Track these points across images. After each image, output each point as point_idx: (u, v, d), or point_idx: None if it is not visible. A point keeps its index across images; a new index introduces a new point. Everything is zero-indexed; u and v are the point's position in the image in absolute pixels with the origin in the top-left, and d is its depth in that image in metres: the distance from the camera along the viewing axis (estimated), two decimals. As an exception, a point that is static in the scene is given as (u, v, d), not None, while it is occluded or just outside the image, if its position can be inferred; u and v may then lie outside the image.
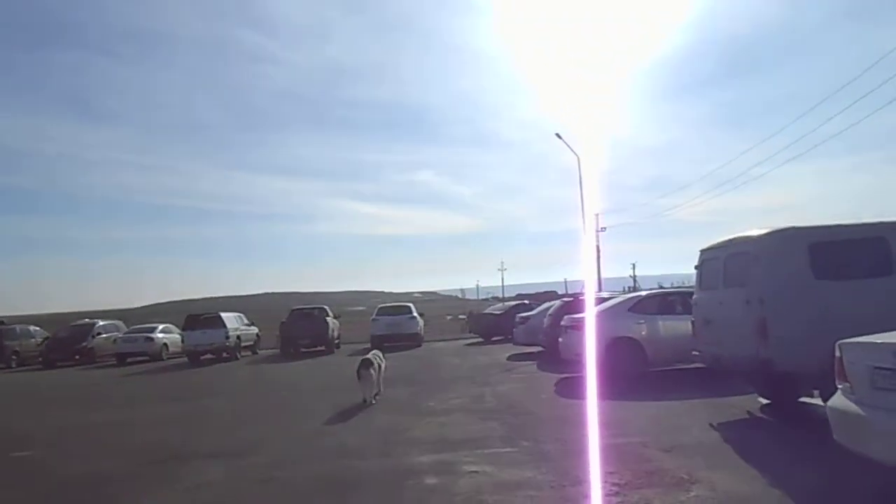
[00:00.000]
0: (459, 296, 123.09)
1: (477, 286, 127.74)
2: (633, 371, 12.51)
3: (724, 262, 9.11)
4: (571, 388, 12.83)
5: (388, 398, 12.51)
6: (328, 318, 27.83)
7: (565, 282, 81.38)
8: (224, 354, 26.31)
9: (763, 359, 7.97)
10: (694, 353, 9.99)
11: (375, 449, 8.16)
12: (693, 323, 10.04)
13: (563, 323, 14.56)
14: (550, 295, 65.61)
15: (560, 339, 14.46)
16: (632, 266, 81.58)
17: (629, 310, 13.31)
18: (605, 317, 13.43)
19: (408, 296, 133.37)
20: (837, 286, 7.99)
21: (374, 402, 11.89)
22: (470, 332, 30.45)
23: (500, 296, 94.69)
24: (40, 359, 29.58)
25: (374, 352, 13.29)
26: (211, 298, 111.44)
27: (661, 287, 53.45)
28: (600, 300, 15.84)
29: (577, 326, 13.59)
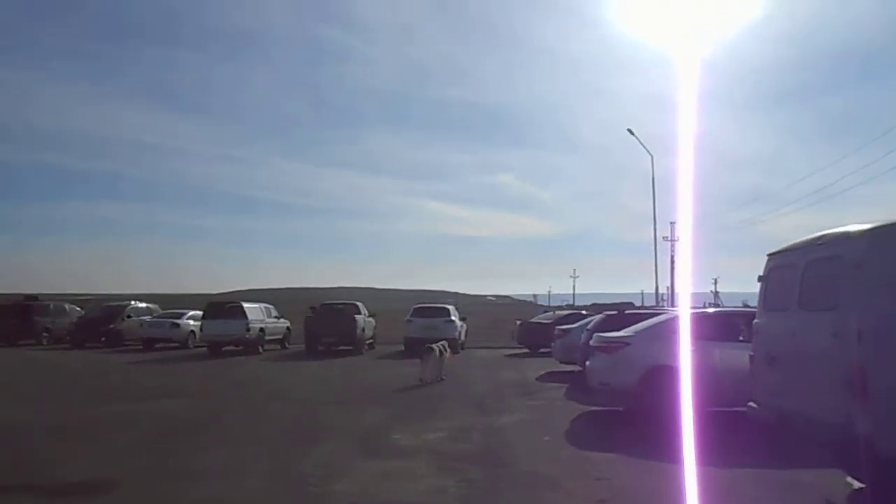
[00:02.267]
0: (532, 301, 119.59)
1: (549, 292, 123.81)
2: (673, 410, 9.38)
3: (802, 271, 5.98)
4: (587, 429, 9.89)
5: (357, 423, 10.03)
6: (358, 316, 25.44)
7: (642, 293, 76.58)
8: (242, 347, 24.36)
9: (858, 433, 4.85)
10: (750, 404, 6.83)
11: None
12: (751, 358, 6.89)
13: (591, 342, 11.50)
14: (626, 306, 61.44)
15: (587, 363, 11.41)
16: (713, 281, 75.92)
17: (674, 331, 10.14)
18: (643, 339, 10.34)
19: (481, 298, 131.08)
20: None
21: (442, 378, 14.86)
22: (517, 341, 27.36)
23: (572, 303, 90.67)
24: (68, 338, 28.59)
25: (441, 342, 15.73)
26: (284, 289, 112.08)
27: (747, 306, 48.66)
28: (650, 316, 12.68)
29: (607, 348, 10.55)
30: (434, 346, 14.98)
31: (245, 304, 25.11)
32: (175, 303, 36.02)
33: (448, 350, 15.61)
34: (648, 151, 36.23)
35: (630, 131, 35.67)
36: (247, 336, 24.13)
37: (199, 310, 26.88)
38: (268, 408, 11.64)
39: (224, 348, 24.43)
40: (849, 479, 6.14)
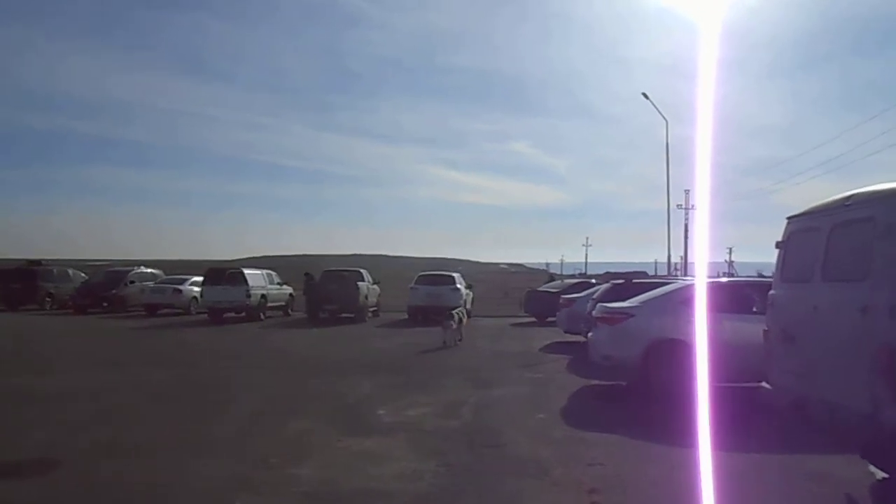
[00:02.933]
0: (545, 269, 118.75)
1: (561, 261, 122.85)
2: (679, 387, 8.72)
3: (827, 237, 5.21)
4: (586, 406, 9.26)
5: (343, 395, 9.49)
6: (361, 283, 24.84)
7: (655, 263, 75.48)
8: (244, 314, 23.89)
9: (885, 422, 4.14)
10: (763, 384, 6.12)
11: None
12: (766, 334, 6.16)
13: (593, 313, 10.79)
14: (640, 275, 60.37)
15: (588, 335, 10.72)
16: (728, 250, 74.61)
17: (682, 302, 9.42)
18: (647, 310, 9.63)
19: (494, 265, 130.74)
20: None
21: (456, 344, 15.90)
22: (524, 310, 26.69)
23: (584, 272, 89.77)
24: (70, 303, 28.26)
25: (458, 309, 18.11)
26: (302, 255, 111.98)
27: (762, 276, 47.58)
28: (658, 286, 11.93)
29: (610, 319, 9.84)
30: (454, 312, 16.92)
31: (246, 271, 24.56)
32: (193, 269, 35.54)
33: (467, 316, 18.13)
34: (663, 116, 35.15)
35: (645, 95, 34.56)
36: (247, 302, 23.65)
37: (205, 276, 26.38)
38: (253, 378, 11.09)
39: (225, 315, 24.02)
40: (871, 468, 5.45)
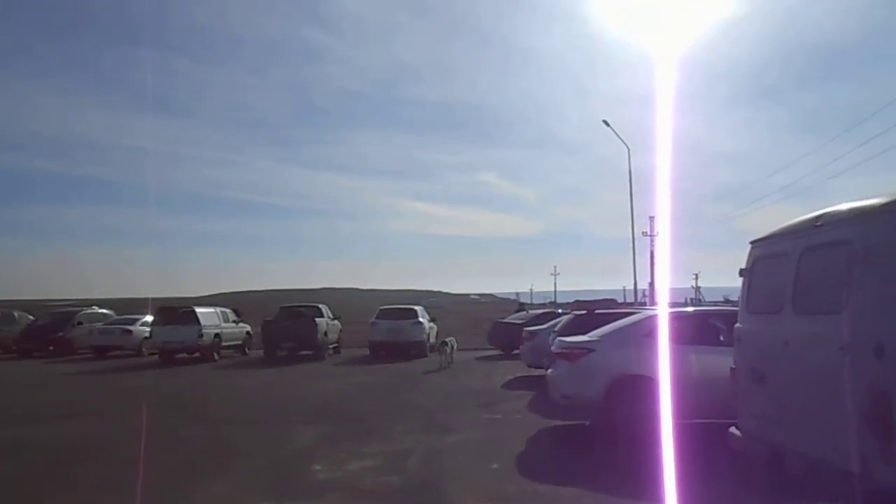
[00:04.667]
0: (515, 299, 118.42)
1: (531, 290, 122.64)
2: (644, 427, 8.04)
3: (796, 263, 4.59)
4: (545, 451, 8.55)
5: (278, 447, 8.67)
6: (320, 319, 23.89)
7: (623, 290, 75.50)
8: (197, 354, 22.79)
9: (881, 486, 3.48)
10: (732, 430, 5.45)
11: None
12: (733, 372, 5.51)
13: (552, 349, 10.09)
14: (608, 303, 60.07)
15: (549, 372, 10.01)
16: (694, 276, 74.95)
17: (645, 335, 8.78)
18: (608, 344, 8.96)
19: (465, 297, 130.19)
20: None
21: (448, 366, 19.60)
22: (489, 343, 25.90)
23: (554, 300, 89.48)
24: (14, 347, 26.81)
25: (450, 338, 21.57)
26: (270, 291, 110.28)
27: (728, 301, 47.47)
28: (620, 317, 11.30)
29: (569, 355, 9.15)
30: (447, 340, 20.94)
31: (198, 309, 23.44)
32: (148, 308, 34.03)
33: (455, 344, 21.54)
34: (625, 144, 35.00)
35: (606, 122, 34.37)
36: (200, 342, 22.55)
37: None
38: (185, 428, 10.12)
39: (178, 356, 22.92)
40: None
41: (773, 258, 5.00)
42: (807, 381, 4.29)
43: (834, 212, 4.32)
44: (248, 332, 26.49)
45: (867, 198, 4.19)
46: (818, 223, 4.40)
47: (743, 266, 5.53)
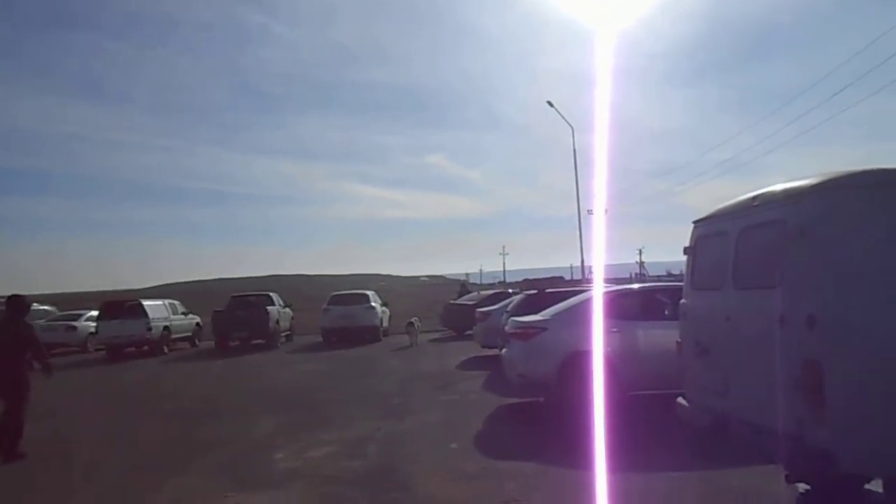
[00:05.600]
0: (465, 280, 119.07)
1: (480, 271, 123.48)
2: (598, 399, 8.34)
3: (735, 241, 4.85)
4: (502, 429, 8.77)
5: (237, 439, 8.67)
6: (271, 308, 23.71)
7: (571, 267, 76.78)
8: (145, 348, 22.39)
9: (814, 446, 3.76)
10: (679, 400, 5.74)
11: None
12: (678, 345, 5.79)
13: (506, 328, 10.32)
14: (556, 281, 60.99)
15: (502, 351, 10.25)
16: (638, 252, 76.67)
17: (595, 312, 9.07)
18: (560, 323, 9.23)
19: (414, 279, 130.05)
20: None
21: (415, 345, 21.28)
22: (442, 325, 26.11)
23: (503, 280, 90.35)
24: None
25: (414, 318, 23.03)
26: (217, 280, 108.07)
27: (671, 275, 48.72)
28: (570, 295, 11.60)
29: (522, 334, 9.39)
30: (412, 320, 22.55)
31: (145, 302, 22.99)
32: (100, 301, 32.93)
33: (419, 324, 23.04)
34: (569, 123, 35.48)
35: (550, 103, 34.75)
36: (148, 336, 22.14)
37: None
38: (137, 425, 10.02)
39: (126, 350, 22.47)
40: (794, 483, 5.13)
41: (715, 237, 5.26)
42: (747, 352, 4.56)
43: (769, 192, 4.57)
44: (197, 324, 26.13)
45: (799, 177, 4.46)
46: (755, 203, 4.66)
47: (686, 244, 5.80)
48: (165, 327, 23.14)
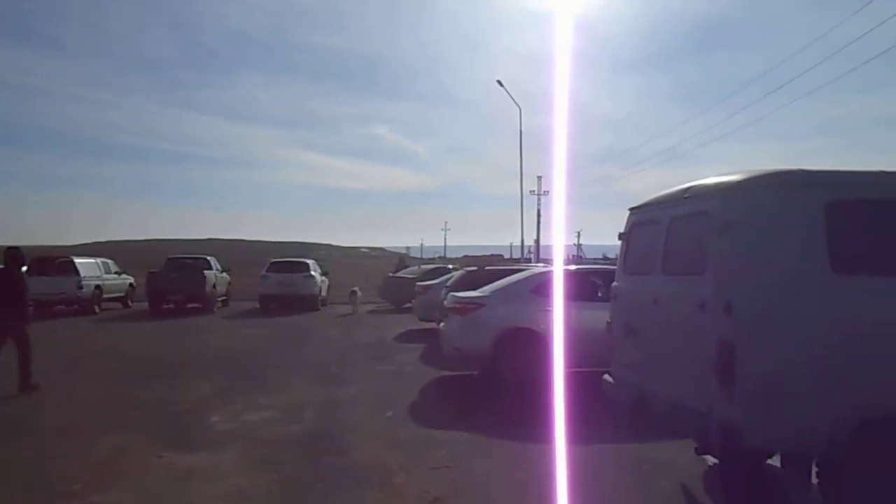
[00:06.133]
0: (406, 253, 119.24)
1: (421, 245, 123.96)
2: (529, 376, 8.69)
3: (666, 229, 5.15)
4: (437, 400, 9.04)
5: (171, 401, 8.64)
6: (209, 272, 23.39)
7: (511, 246, 77.83)
8: (75, 307, 21.83)
9: (723, 422, 4.09)
10: (606, 378, 6.07)
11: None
12: (609, 326, 6.11)
13: (445, 304, 10.56)
14: (496, 259, 61.94)
15: (440, 325, 10.50)
16: (577, 234, 78.36)
17: (532, 291, 9.40)
18: (497, 299, 9.51)
19: (355, 250, 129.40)
20: (881, 288, 4.13)
21: (357, 311, 22.57)
22: (381, 297, 26.28)
23: (444, 255, 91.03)
24: None
25: (356, 287, 24.28)
26: (152, 240, 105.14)
27: (607, 258, 50.07)
28: (509, 273, 11.90)
29: (461, 309, 9.64)
30: (355, 289, 23.89)
31: (77, 260, 22.35)
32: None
33: (360, 293, 24.22)
34: (517, 103, 35.79)
35: (500, 83, 35.00)
36: (79, 294, 21.59)
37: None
38: (67, 384, 9.88)
39: (55, 308, 21.85)
40: (703, 456, 5.54)
41: (647, 224, 5.56)
42: (671, 333, 4.88)
43: (700, 185, 4.87)
44: (131, 284, 25.58)
45: (730, 171, 4.77)
46: (686, 195, 4.95)
47: (622, 230, 6.09)
48: (97, 286, 22.60)
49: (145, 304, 23.47)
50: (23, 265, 9.56)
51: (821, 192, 4.21)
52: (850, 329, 4.01)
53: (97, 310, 22.40)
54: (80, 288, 21.57)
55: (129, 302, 25.18)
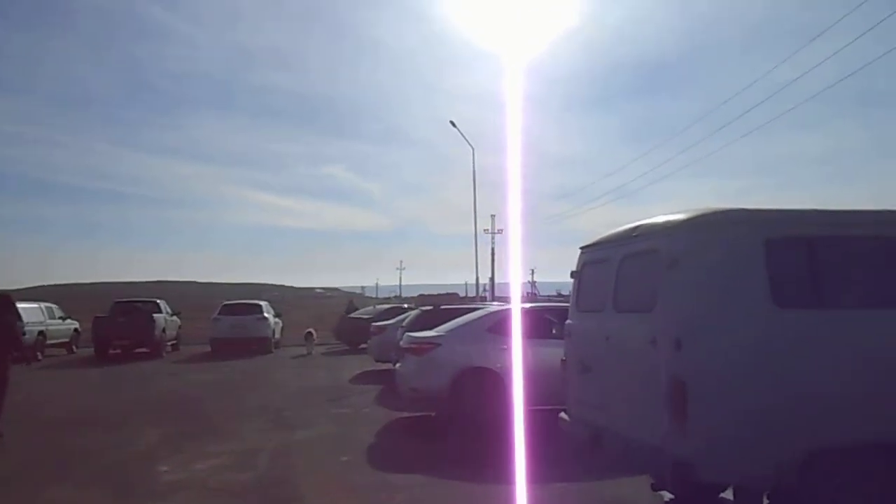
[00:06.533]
0: (361, 293, 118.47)
1: (376, 284, 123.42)
2: (487, 416, 8.68)
3: (617, 268, 5.26)
4: (393, 443, 8.89)
5: (119, 450, 8.34)
6: (158, 315, 22.80)
7: (466, 284, 78.05)
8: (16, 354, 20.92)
9: (676, 458, 4.14)
10: (562, 415, 6.09)
11: None
12: (563, 363, 6.15)
13: (401, 343, 10.50)
14: (452, 298, 61.97)
15: (396, 366, 10.42)
16: (531, 271, 79.14)
17: (488, 329, 9.43)
18: (454, 339, 9.50)
19: (309, 291, 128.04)
20: (821, 321, 4.27)
21: (311, 353, 22.62)
22: (336, 338, 25.96)
23: (399, 294, 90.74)
24: None
25: (310, 329, 24.25)
26: (100, 283, 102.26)
27: (560, 294, 50.60)
28: (465, 312, 11.92)
29: (417, 349, 9.59)
30: (310, 330, 23.88)
31: (19, 305, 21.44)
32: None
33: (315, 334, 24.12)
34: (470, 144, 36.37)
35: (452, 123, 35.54)
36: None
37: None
38: (7, 433, 9.43)
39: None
40: (659, 492, 5.57)
41: (599, 263, 5.66)
42: (624, 370, 4.95)
43: (648, 224, 5.00)
44: (76, 329, 24.76)
45: (677, 210, 4.91)
46: (634, 234, 5.07)
47: (573, 268, 6.18)
48: (40, 332, 21.74)
49: (91, 350, 22.72)
50: (11, 308, 9.71)
51: (761, 229, 4.36)
52: (794, 362, 4.14)
53: (40, 356, 21.52)
54: (23, 334, 20.70)
55: (74, 348, 24.33)
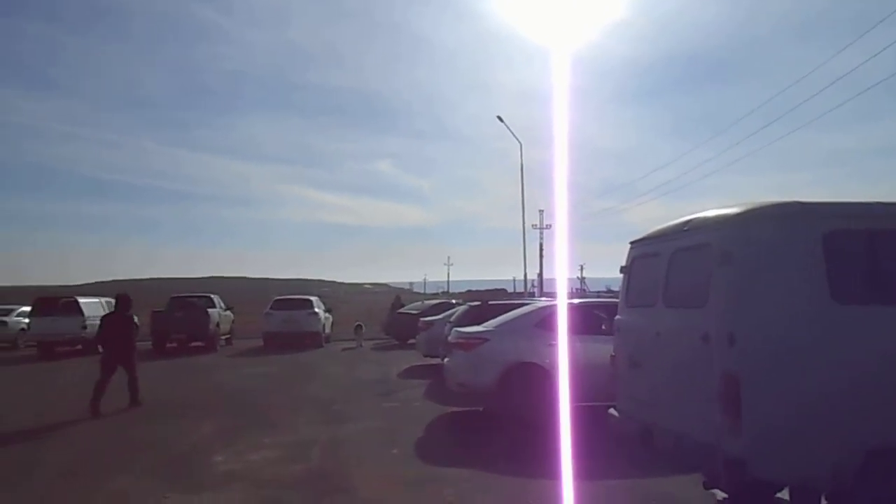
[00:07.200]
0: (409, 289, 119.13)
1: (424, 280, 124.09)
2: (535, 411, 8.65)
3: (668, 262, 5.18)
4: (443, 437, 8.95)
5: (175, 441, 8.58)
6: (213, 310, 23.38)
7: (514, 280, 77.82)
8: (79, 347, 21.79)
9: (728, 455, 4.07)
10: (611, 412, 6.04)
11: None
12: (613, 359, 6.09)
13: (449, 339, 10.54)
14: (499, 293, 61.91)
15: (445, 360, 10.47)
16: (580, 267, 78.41)
17: (536, 325, 9.40)
18: (502, 334, 9.50)
19: (358, 286, 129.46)
20: (882, 317, 4.15)
21: (361, 346, 23.74)
22: (385, 332, 26.21)
23: (447, 290, 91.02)
24: None
25: (359, 322, 25.89)
26: (157, 279, 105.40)
27: (611, 291, 49.96)
28: (513, 308, 11.90)
29: (465, 344, 9.62)
30: (360, 324, 25.58)
31: (81, 300, 22.40)
32: (26, 298, 31.79)
33: (364, 328, 25.83)
34: (517, 139, 36.18)
35: (500, 118, 35.35)
36: (83, 334, 21.54)
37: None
38: (72, 426, 9.83)
39: (58, 349, 21.83)
40: (713, 490, 5.48)
41: (649, 257, 5.59)
42: (674, 366, 4.88)
43: (699, 218, 4.92)
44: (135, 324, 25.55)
45: (729, 204, 4.82)
46: (686, 228, 4.99)
47: (623, 264, 6.12)
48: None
49: (149, 344, 23.43)
50: (129, 306, 11.85)
51: (818, 223, 4.25)
52: (852, 359, 4.02)
53: (100, 349, 22.30)
54: (84, 328, 21.53)
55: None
